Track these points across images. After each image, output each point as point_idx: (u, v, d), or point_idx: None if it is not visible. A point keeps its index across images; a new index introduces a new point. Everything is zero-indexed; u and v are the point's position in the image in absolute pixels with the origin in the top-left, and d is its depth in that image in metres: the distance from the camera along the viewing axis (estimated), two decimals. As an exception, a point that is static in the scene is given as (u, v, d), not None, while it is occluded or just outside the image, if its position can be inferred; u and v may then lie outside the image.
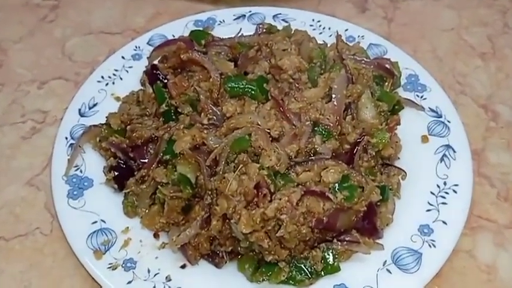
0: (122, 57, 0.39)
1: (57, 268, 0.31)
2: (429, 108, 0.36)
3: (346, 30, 0.42)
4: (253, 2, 0.47)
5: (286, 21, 0.42)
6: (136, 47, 0.40)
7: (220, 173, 0.29)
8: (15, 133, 0.38)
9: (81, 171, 0.32)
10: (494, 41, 0.46)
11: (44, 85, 0.42)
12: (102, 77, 0.38)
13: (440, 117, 0.36)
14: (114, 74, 0.38)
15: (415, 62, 0.39)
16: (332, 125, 0.31)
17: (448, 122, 0.35)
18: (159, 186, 0.29)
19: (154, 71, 0.35)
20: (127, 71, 0.39)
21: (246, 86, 0.33)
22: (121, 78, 0.38)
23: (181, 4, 0.48)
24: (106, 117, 0.34)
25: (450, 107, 0.36)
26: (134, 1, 0.49)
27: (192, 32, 0.38)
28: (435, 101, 0.36)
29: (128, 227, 0.30)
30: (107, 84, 0.38)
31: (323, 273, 0.29)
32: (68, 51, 0.45)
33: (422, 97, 0.37)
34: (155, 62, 0.37)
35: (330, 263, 0.29)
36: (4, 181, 0.35)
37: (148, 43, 0.40)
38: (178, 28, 0.42)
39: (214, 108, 0.33)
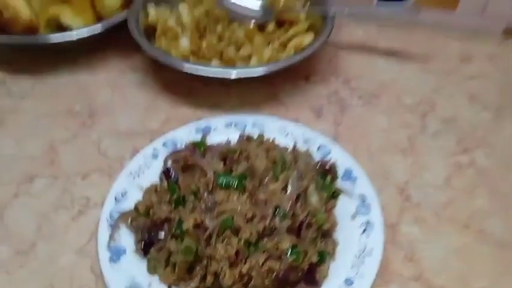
0: (144, 156, 0.54)
1: None
2: (358, 194, 0.50)
3: (303, 133, 0.56)
4: (237, 110, 0.62)
5: (261, 128, 0.58)
6: (154, 149, 0.54)
7: (213, 244, 0.43)
8: (67, 215, 0.50)
9: (118, 243, 0.46)
10: (412, 140, 0.59)
11: (87, 177, 0.54)
12: (130, 173, 0.52)
13: (365, 201, 0.49)
14: (139, 169, 0.52)
15: (350, 159, 0.52)
16: (287, 209, 0.46)
17: (369, 204, 0.49)
18: (172, 254, 0.44)
19: (168, 171, 0.50)
20: (148, 168, 0.52)
21: (231, 180, 0.47)
22: (143, 172, 0.52)
23: (185, 111, 0.62)
24: (135, 203, 0.49)
25: (372, 193, 0.49)
26: (150, 110, 0.63)
27: (194, 142, 0.53)
28: (362, 189, 0.50)
29: (150, 283, 0.43)
30: (134, 178, 0.51)
31: None
32: (103, 149, 0.57)
33: (354, 186, 0.51)
34: (168, 164, 0.53)
35: None
36: (61, 251, 0.47)
37: (162, 145, 0.54)
38: (184, 133, 0.56)
39: (209, 197, 0.47)
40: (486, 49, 0.73)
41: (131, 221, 0.47)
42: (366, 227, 0.48)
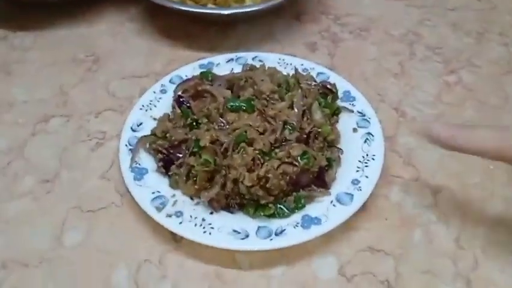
0: (154, 92, 0.56)
1: (131, 224, 0.47)
2: (357, 111, 0.54)
3: (302, 64, 0.59)
4: (237, 49, 0.65)
5: (262, 61, 0.62)
6: (162, 85, 0.57)
7: (230, 155, 0.47)
8: (86, 147, 0.54)
9: (139, 164, 0.49)
10: (403, 64, 0.64)
11: (99, 114, 0.57)
12: (142, 106, 0.55)
13: (364, 116, 0.53)
14: (150, 103, 0.55)
15: (348, 83, 0.57)
16: (294, 123, 0.49)
17: (369, 118, 0.53)
18: (194, 166, 0.47)
19: (180, 99, 0.54)
20: (158, 101, 0.55)
21: (240, 104, 0.50)
22: (155, 106, 0.55)
23: (185, 53, 0.65)
24: (151, 130, 0.52)
25: (370, 110, 0.53)
26: (152, 54, 0.65)
27: (201, 72, 0.57)
28: (361, 107, 0.54)
29: (174, 194, 0.46)
30: (146, 110, 0.54)
31: (295, 210, 0.45)
32: (112, 91, 0.60)
33: (352, 104, 0.55)
34: (179, 93, 0.56)
35: (299, 203, 0.46)
36: (84, 177, 0.50)
37: (169, 81, 0.57)
38: (189, 70, 0.59)
39: (221, 119, 0.51)
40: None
41: (150, 144, 0.50)
42: (368, 137, 0.52)
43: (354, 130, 0.53)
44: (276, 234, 0.44)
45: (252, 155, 0.46)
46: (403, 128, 0.56)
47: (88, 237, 0.47)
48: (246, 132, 0.47)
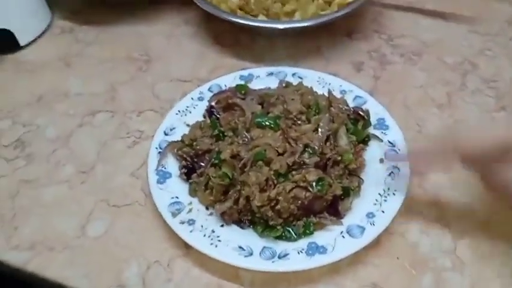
0: (192, 98, 0.58)
1: (149, 224, 0.50)
2: (388, 140, 0.53)
3: (340, 85, 0.59)
4: (280, 62, 0.65)
5: (301, 78, 0.62)
6: (201, 92, 0.59)
7: (246, 172, 0.48)
8: (123, 144, 0.57)
9: (165, 168, 0.51)
10: (451, 95, 0.61)
11: (141, 114, 0.60)
12: (178, 111, 0.57)
13: (394, 146, 0.52)
14: (186, 109, 0.58)
15: (384, 109, 0.55)
16: (316, 147, 0.49)
17: (398, 150, 0.51)
18: (211, 178, 0.49)
19: (212, 110, 0.56)
20: (194, 108, 0.57)
21: (267, 121, 0.52)
22: (190, 112, 0.57)
23: (231, 61, 0.67)
24: (181, 136, 0.54)
25: (401, 141, 0.52)
26: (200, 59, 0.68)
27: (237, 85, 0.58)
28: (393, 137, 0.52)
29: (191, 202, 0.48)
30: (181, 116, 0.57)
31: (303, 235, 0.46)
32: (156, 92, 0.63)
33: (384, 133, 0.53)
34: (213, 103, 0.58)
35: (308, 229, 0.46)
36: (117, 172, 0.54)
37: (208, 90, 0.59)
38: (229, 80, 0.60)
39: (246, 134, 0.52)
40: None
41: (177, 150, 0.53)
42: (393, 171, 0.50)
43: (381, 161, 0.52)
44: (279, 257, 0.45)
45: (266, 175, 0.46)
46: (436, 163, 0.53)
47: (109, 231, 0.50)
48: (265, 151, 0.48)
